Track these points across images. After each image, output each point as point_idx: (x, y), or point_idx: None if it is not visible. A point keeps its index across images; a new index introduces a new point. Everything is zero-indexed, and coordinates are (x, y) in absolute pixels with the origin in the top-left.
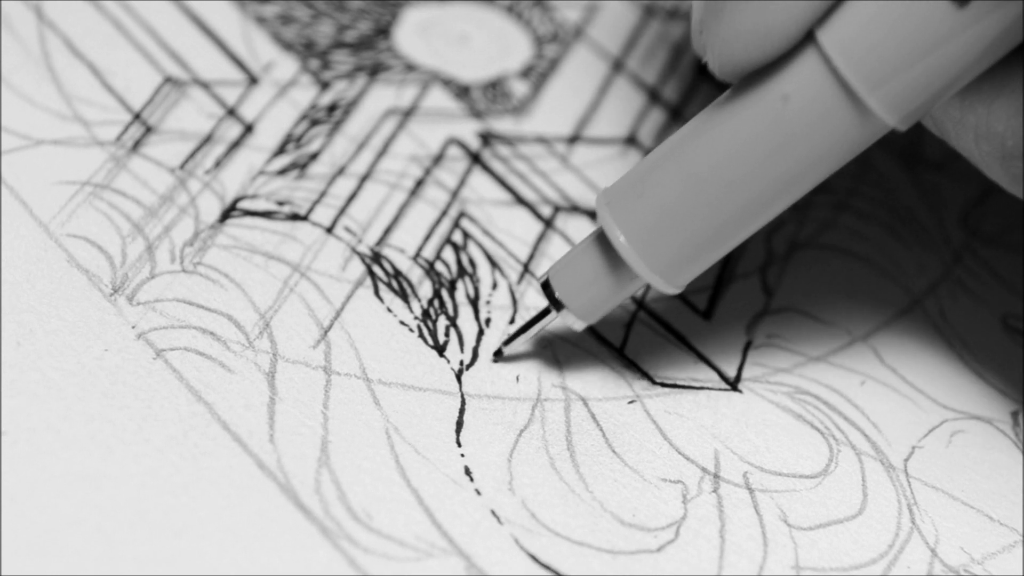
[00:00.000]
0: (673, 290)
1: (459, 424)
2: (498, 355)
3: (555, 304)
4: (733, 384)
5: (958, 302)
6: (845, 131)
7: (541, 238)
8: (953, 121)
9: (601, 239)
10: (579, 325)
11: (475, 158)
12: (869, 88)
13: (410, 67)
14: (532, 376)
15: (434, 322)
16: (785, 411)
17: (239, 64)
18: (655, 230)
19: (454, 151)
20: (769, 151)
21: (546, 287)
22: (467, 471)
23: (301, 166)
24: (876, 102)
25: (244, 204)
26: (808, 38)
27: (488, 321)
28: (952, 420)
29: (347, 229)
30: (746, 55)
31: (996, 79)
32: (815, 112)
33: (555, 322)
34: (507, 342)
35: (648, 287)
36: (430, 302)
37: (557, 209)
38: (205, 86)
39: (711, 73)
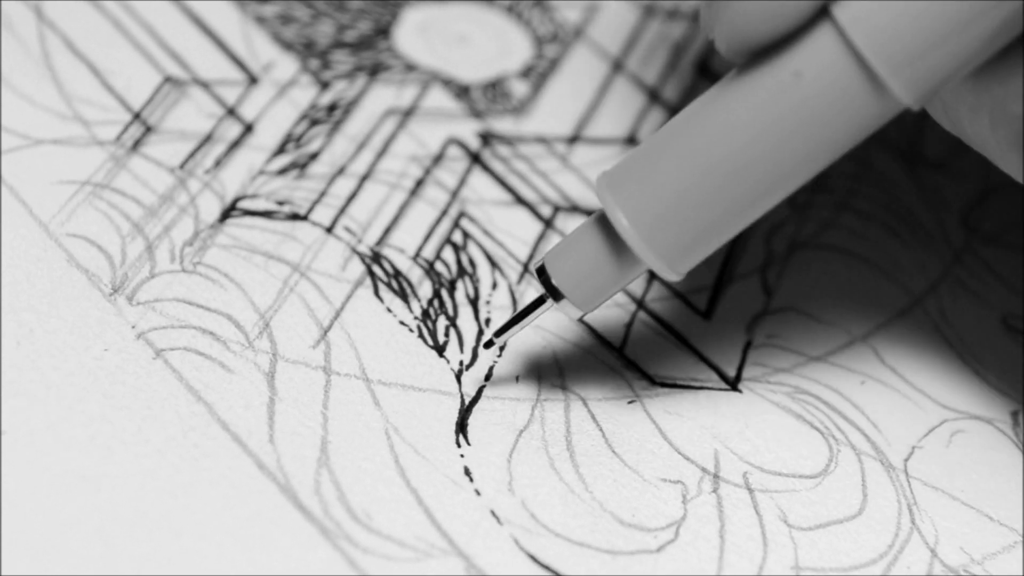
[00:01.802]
0: (675, 276)
1: (459, 424)
2: (488, 344)
3: (552, 292)
4: (733, 384)
5: (958, 302)
6: (859, 109)
7: (541, 238)
8: (968, 106)
9: (600, 223)
10: (576, 314)
11: (475, 158)
12: (892, 68)
13: (410, 67)
14: (532, 376)
15: (434, 322)
16: (785, 411)
17: (239, 64)
18: (660, 212)
19: (454, 151)
20: (779, 130)
21: (541, 273)
22: (467, 471)
23: (301, 166)
24: (897, 81)
25: (244, 204)
26: (822, 12)
27: (488, 321)
28: (952, 420)
29: (347, 229)
30: (757, 30)
31: (1011, 59)
32: (829, 89)
33: (551, 311)
34: (500, 331)
35: (648, 281)
36: (430, 302)
37: (557, 209)
38: (205, 86)
39: (717, 52)
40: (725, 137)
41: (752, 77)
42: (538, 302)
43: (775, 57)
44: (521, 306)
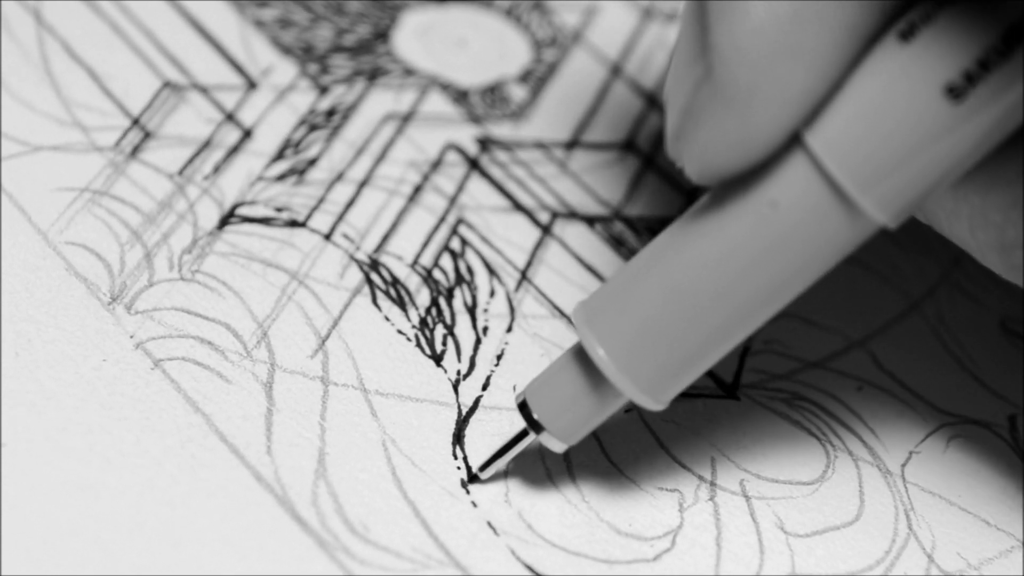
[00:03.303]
0: (658, 407)
1: (456, 435)
2: (474, 479)
3: (533, 425)
4: (730, 391)
5: (957, 306)
6: (835, 234)
7: (539, 245)
8: (946, 211)
9: (580, 355)
10: (559, 447)
11: (473, 164)
12: (861, 189)
13: (409, 71)
14: None
15: (431, 331)
16: (782, 418)
17: (237, 68)
18: (638, 346)
19: (452, 157)
20: (757, 259)
21: (523, 408)
22: (464, 483)
23: (299, 172)
24: (868, 202)
25: (242, 210)
26: (794, 140)
27: (486, 330)
28: (950, 425)
29: (345, 236)
30: (729, 163)
31: (990, 169)
32: (805, 217)
33: (534, 443)
34: (484, 466)
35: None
36: (428, 310)
37: (555, 215)
38: (204, 91)
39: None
40: (701, 268)
41: (726, 207)
42: (522, 434)
43: (749, 187)
44: (521, 320)
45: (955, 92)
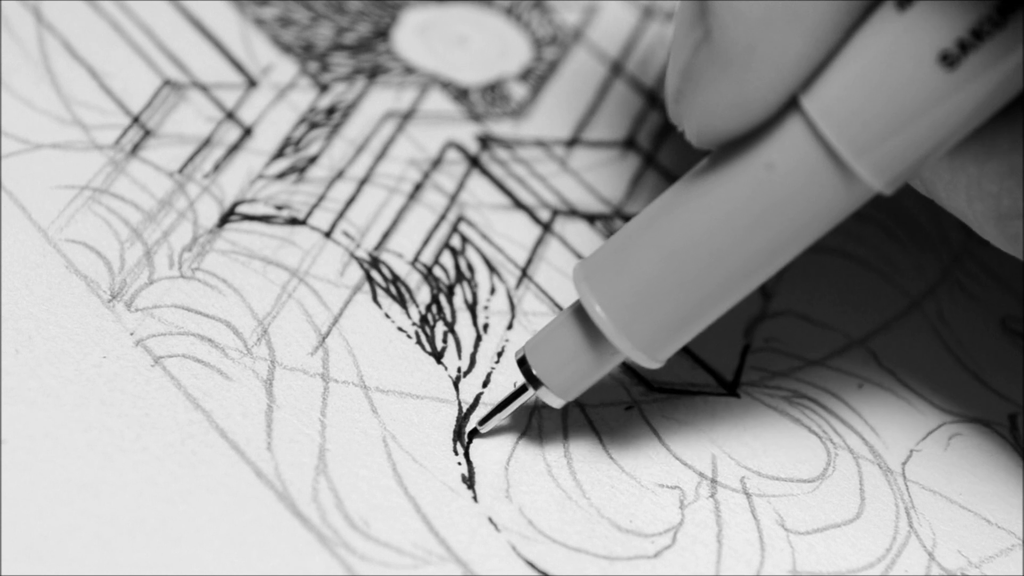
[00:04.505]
0: (655, 365)
1: (456, 432)
2: (474, 433)
3: (532, 381)
4: (731, 389)
5: (957, 304)
6: (831, 197)
7: (539, 242)
8: (943, 182)
9: (579, 313)
10: (557, 403)
11: (474, 162)
12: (856, 154)
13: (409, 69)
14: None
15: (432, 328)
16: (783, 415)
17: (238, 67)
18: (635, 304)
19: (453, 155)
20: (753, 221)
21: (522, 364)
22: (464, 479)
23: (300, 170)
24: (863, 168)
25: (243, 208)
26: (791, 104)
27: (486, 327)
28: (950, 423)
29: (345, 233)
30: (727, 125)
31: (987, 138)
32: (801, 180)
33: (533, 399)
34: (483, 421)
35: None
36: (428, 307)
37: (555, 213)
38: (204, 89)
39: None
40: (698, 228)
41: (724, 169)
42: (521, 390)
43: (746, 149)
44: (521, 317)
45: (949, 60)
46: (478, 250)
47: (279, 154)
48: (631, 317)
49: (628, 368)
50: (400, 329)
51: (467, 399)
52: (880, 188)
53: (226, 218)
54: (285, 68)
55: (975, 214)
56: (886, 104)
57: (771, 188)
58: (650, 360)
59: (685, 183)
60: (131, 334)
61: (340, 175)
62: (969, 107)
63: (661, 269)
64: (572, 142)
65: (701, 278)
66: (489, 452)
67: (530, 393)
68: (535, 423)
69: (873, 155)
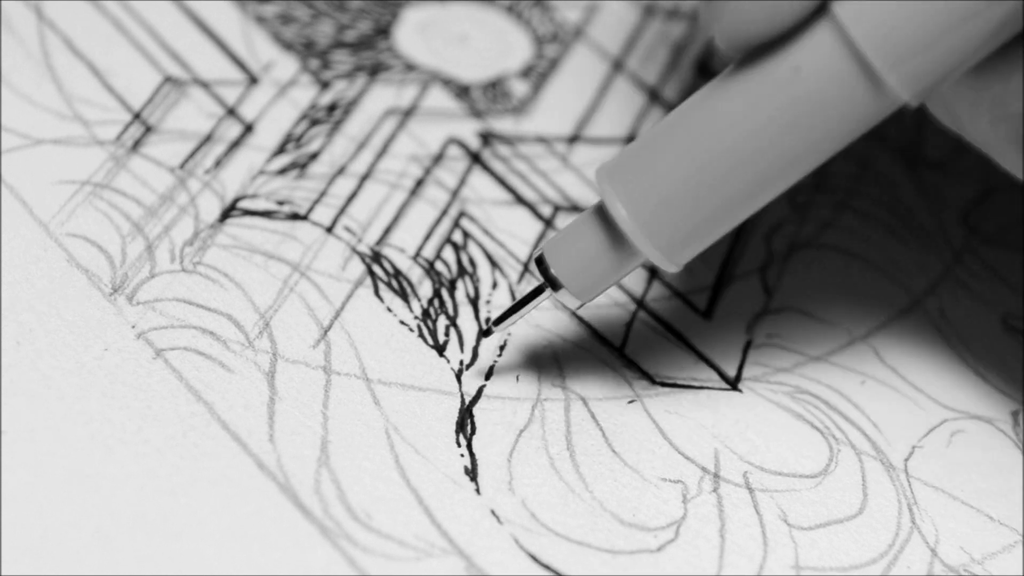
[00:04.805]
0: (674, 268)
1: (459, 424)
2: (487, 333)
3: (550, 281)
4: (733, 384)
5: (958, 301)
6: (857, 104)
7: (541, 238)
8: (967, 102)
9: (599, 213)
10: (574, 303)
11: (475, 158)
12: (889, 64)
13: (410, 67)
14: (532, 376)
15: (434, 322)
16: (785, 411)
17: (239, 64)
18: (658, 205)
19: (454, 151)
20: (778, 124)
21: (540, 263)
22: (467, 471)
23: (301, 166)
24: (894, 77)
25: (244, 204)
26: (820, 9)
27: (488, 321)
28: (952, 420)
29: (347, 229)
30: (757, 27)
31: (1011, 56)
32: (828, 85)
33: (552, 311)
34: (498, 320)
35: (648, 280)
36: (430, 302)
37: (557, 209)
38: (205, 86)
39: (717, 51)
40: (724, 130)
41: (751, 72)
42: (537, 291)
43: (774, 53)
44: (520, 295)
45: None
46: (480, 245)
47: (280, 150)
48: (653, 218)
49: (631, 362)
50: (402, 322)
51: (470, 391)
52: (907, 98)
53: (227, 213)
54: (286, 65)
55: (998, 138)
56: (915, 12)
57: (797, 92)
58: (669, 263)
59: (712, 87)
60: (132, 327)
61: (341, 171)
62: (1000, 17)
63: (684, 171)
64: (573, 139)
65: (724, 181)
66: (492, 444)
67: (548, 293)
68: (538, 415)
69: (900, 62)
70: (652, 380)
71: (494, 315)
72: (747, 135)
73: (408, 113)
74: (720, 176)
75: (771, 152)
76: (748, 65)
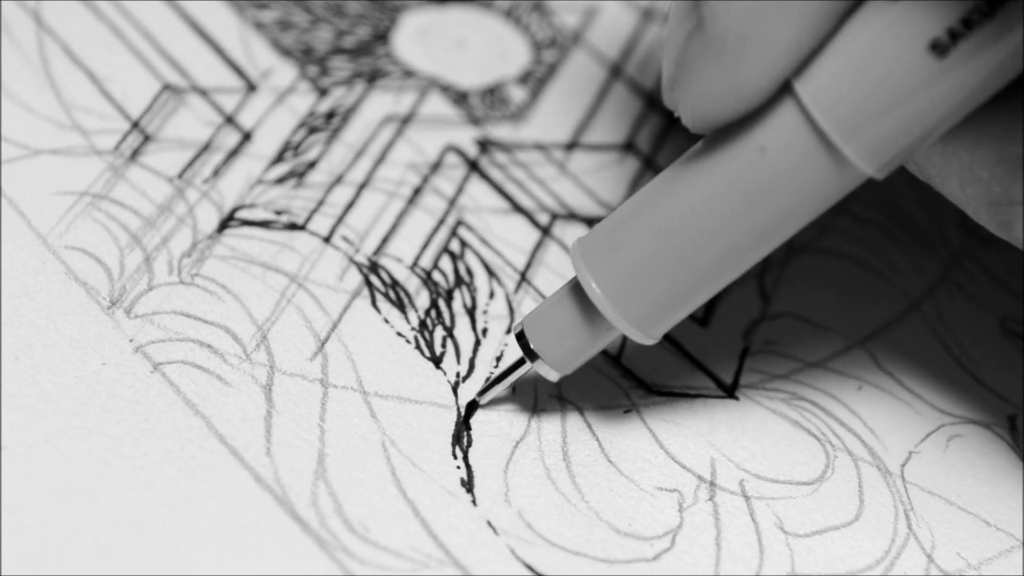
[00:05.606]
0: (649, 341)
1: (455, 436)
2: (473, 405)
3: (530, 354)
4: (730, 391)
5: (956, 305)
6: (822, 181)
7: (538, 246)
8: (937, 167)
9: (576, 289)
10: (553, 376)
11: (473, 165)
12: (845, 137)
13: (408, 73)
14: (528, 387)
15: (431, 333)
16: (782, 417)
17: (237, 71)
18: (630, 282)
19: (452, 158)
20: (745, 203)
21: (520, 337)
22: (463, 483)
23: (299, 174)
24: (853, 151)
25: (242, 214)
26: (784, 88)
27: (485, 331)
28: (949, 425)
29: (344, 238)
30: (721, 111)
31: (977, 126)
32: (793, 163)
33: (531, 372)
34: (482, 392)
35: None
36: (427, 312)
37: (554, 217)
38: (203, 93)
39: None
40: (692, 209)
41: (718, 152)
42: (519, 363)
43: (741, 131)
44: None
45: (939, 48)
46: (477, 254)
47: (278, 159)
48: (625, 294)
49: (627, 371)
50: (399, 334)
51: (466, 404)
52: (871, 172)
53: (225, 223)
54: (284, 72)
55: (968, 200)
56: (877, 90)
57: (763, 170)
58: (644, 336)
59: (680, 165)
60: (130, 340)
61: (339, 180)
62: (958, 95)
63: (655, 248)
64: (571, 145)
65: (693, 257)
66: (488, 456)
67: (528, 366)
68: (534, 427)
69: (863, 139)
70: (648, 389)
71: (491, 326)
72: (715, 214)
73: (406, 120)
74: (690, 254)
75: (740, 230)
76: (715, 145)
